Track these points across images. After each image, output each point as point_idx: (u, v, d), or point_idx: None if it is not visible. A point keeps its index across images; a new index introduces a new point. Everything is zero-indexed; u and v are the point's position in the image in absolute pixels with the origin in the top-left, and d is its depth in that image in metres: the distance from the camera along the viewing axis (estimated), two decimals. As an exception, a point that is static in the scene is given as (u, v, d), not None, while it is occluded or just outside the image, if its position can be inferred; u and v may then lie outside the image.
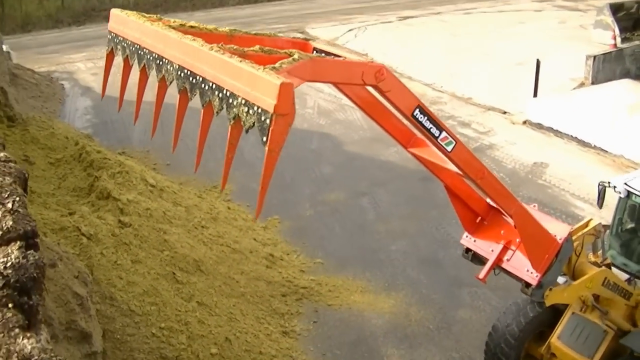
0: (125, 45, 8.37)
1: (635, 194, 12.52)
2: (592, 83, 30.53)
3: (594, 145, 25.08)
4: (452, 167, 9.13)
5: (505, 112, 29.52)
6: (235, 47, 7.19)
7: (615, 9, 36.50)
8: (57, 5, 56.77)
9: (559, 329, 12.68)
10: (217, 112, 6.76)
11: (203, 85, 6.86)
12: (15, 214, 5.95)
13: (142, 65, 8.01)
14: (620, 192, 12.69)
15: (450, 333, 15.52)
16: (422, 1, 56.38)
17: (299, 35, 42.08)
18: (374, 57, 37.23)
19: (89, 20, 52.63)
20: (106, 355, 11.93)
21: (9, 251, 5.44)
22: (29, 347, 4.89)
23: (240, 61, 6.48)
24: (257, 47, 7.43)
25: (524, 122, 28.07)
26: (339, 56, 8.11)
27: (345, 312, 16.27)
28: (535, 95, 28.77)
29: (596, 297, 12.29)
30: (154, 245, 15.74)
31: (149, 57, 7.84)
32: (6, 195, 6.20)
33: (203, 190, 21.76)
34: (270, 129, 6.03)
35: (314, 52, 8.53)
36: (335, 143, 27.18)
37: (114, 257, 14.50)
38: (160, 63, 7.61)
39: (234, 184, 22.18)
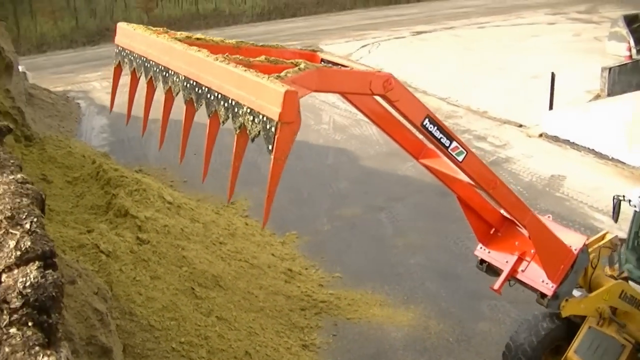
0: (132, 58, 8.42)
1: None
2: (608, 95, 30.48)
3: (611, 158, 24.93)
4: (464, 178, 9.08)
5: (521, 126, 29.45)
6: (240, 57, 7.20)
7: (629, 21, 36.49)
8: (71, 26, 57.27)
9: (575, 343, 12.49)
10: (223, 122, 6.76)
11: (209, 96, 6.87)
12: (33, 234, 5.98)
13: (148, 77, 8.04)
14: (635, 206, 12.58)
15: (470, 346, 15.44)
16: (436, 16, 56.66)
17: (313, 51, 42.16)
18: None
19: (103, 39, 53.03)
20: (127, 370, 11.97)
21: (28, 271, 5.46)
22: (49, 365, 4.92)
23: (245, 70, 6.48)
24: (262, 57, 7.42)
25: (540, 135, 27.99)
26: (346, 67, 8.06)
27: (364, 325, 16.21)
28: (550, 108, 28.75)
29: (613, 311, 12.18)
30: (172, 261, 15.76)
31: (155, 69, 7.86)
32: (24, 217, 6.22)
33: (220, 207, 21.78)
34: (276, 137, 6.01)
35: (322, 63, 8.46)
36: (352, 158, 27.20)
37: (133, 273, 14.53)
38: (167, 75, 7.62)
39: (251, 200, 22.22)
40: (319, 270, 18.53)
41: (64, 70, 44.48)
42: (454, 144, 8.40)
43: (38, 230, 6.12)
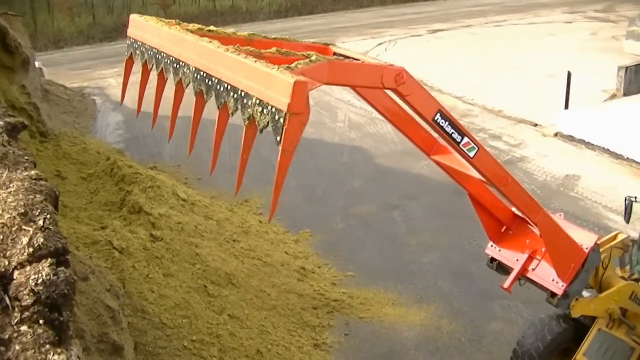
0: (143, 49, 8.42)
1: None
2: (624, 94, 30.33)
3: (627, 157, 24.78)
4: (475, 174, 9.05)
5: (536, 125, 29.33)
6: (251, 49, 7.18)
7: (647, 20, 36.30)
8: (88, 22, 57.39)
9: (584, 345, 12.38)
10: (232, 113, 6.74)
11: (218, 87, 6.84)
12: (46, 231, 5.99)
13: (159, 69, 8.03)
14: None
15: (482, 346, 15.40)
16: (452, 14, 56.48)
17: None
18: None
19: (120, 36, 53.05)
20: (138, 368, 12.00)
21: (40, 268, 5.48)
22: (60, 363, 4.93)
23: (255, 61, 6.45)
24: (273, 49, 7.40)
25: (555, 135, 27.87)
26: (358, 60, 7.99)
27: (376, 324, 16.19)
28: (566, 107, 28.65)
29: (623, 312, 12.10)
30: (185, 258, 15.79)
31: (166, 60, 7.86)
32: (37, 213, 6.24)
33: (234, 204, 21.79)
34: (284, 128, 5.96)
35: (334, 56, 8.32)
36: (366, 156, 27.16)
37: (146, 270, 14.56)
38: (177, 66, 7.61)
39: (265, 198, 22.21)
40: (331, 268, 18.52)
41: (81, 67, 44.56)
42: (466, 139, 8.37)
43: (51, 227, 6.15)
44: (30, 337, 4.89)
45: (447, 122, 8.16)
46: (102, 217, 16.87)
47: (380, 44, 45.86)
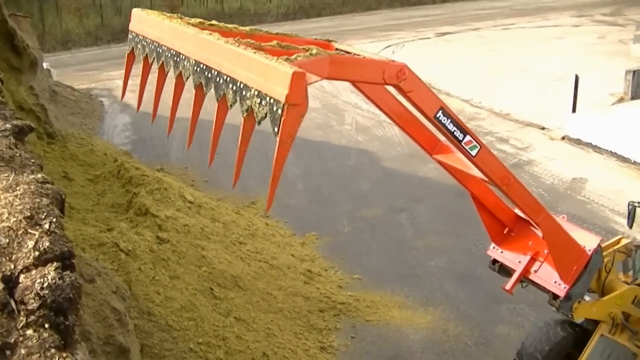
0: (144, 43, 8.40)
1: None
2: (632, 98, 30.26)
3: (634, 161, 24.74)
4: (478, 174, 9.00)
5: (543, 128, 29.30)
6: (252, 41, 7.15)
7: (655, 23, 36.27)
8: (96, 23, 57.40)
9: (587, 351, 12.30)
10: (230, 105, 6.70)
11: (218, 79, 6.81)
12: (52, 235, 5.98)
13: (160, 63, 8.01)
14: None
15: (489, 349, 15.39)
16: (460, 17, 56.49)
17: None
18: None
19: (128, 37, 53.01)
20: (144, 370, 12.01)
21: (46, 272, 5.46)
22: (65, 367, 4.93)
23: (255, 52, 6.42)
24: (274, 42, 7.37)
25: (563, 138, 27.83)
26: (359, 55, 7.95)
27: (383, 327, 16.19)
28: (574, 110, 28.59)
29: (626, 317, 12.02)
30: (192, 261, 15.79)
31: (167, 54, 7.83)
32: (43, 217, 6.23)
33: (241, 207, 21.80)
34: (282, 119, 5.92)
35: (336, 51, 8.26)
36: (373, 159, 27.15)
37: (152, 272, 14.57)
38: (177, 59, 7.58)
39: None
40: (338, 271, 18.51)
41: (88, 68, 44.61)
42: (468, 137, 8.31)
43: (57, 231, 6.14)
44: (35, 341, 4.89)
45: (449, 120, 8.09)
46: (108, 219, 16.89)
47: (388, 46, 45.84)
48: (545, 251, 10.20)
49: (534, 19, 54.66)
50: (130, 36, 8.80)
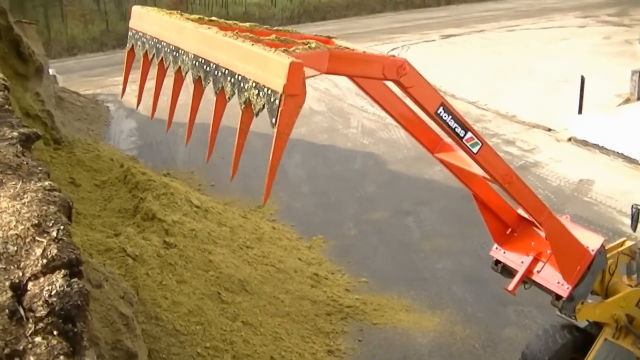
0: (144, 40, 8.38)
1: None
2: (638, 99, 30.25)
3: (641, 162, 24.78)
4: (479, 171, 8.95)
5: (549, 130, 29.26)
6: (250, 35, 7.10)
7: (661, 24, 36.22)
8: (101, 29, 57.48)
9: (590, 356, 12.22)
10: (228, 98, 6.68)
11: (216, 72, 6.79)
12: (60, 242, 6.00)
13: (159, 58, 7.99)
14: None
15: (496, 352, 15.36)
16: (465, 19, 56.49)
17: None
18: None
19: (134, 43, 53.07)
20: (152, 375, 12.03)
21: (54, 279, 5.49)
22: (73, 374, 4.96)
23: (252, 44, 6.41)
24: (273, 36, 7.33)
25: (569, 139, 27.78)
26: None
27: (390, 330, 16.18)
28: (580, 112, 28.57)
29: (630, 320, 11.97)
30: (199, 265, 15.82)
31: (166, 49, 7.81)
32: (51, 224, 6.26)
33: (247, 211, 21.80)
34: (280, 109, 5.89)
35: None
36: (379, 162, 27.14)
37: (160, 277, 14.59)
38: (177, 54, 7.56)
39: (278, 204, 22.27)
40: (345, 275, 18.50)
41: (94, 74, 44.67)
42: (469, 134, 8.26)
43: (64, 238, 6.16)
44: (44, 348, 4.91)
45: (450, 117, 8.06)
46: (115, 224, 16.92)
47: (393, 49, 45.80)
48: (548, 251, 10.15)
49: (538, 20, 54.66)
50: (130, 33, 8.79)
